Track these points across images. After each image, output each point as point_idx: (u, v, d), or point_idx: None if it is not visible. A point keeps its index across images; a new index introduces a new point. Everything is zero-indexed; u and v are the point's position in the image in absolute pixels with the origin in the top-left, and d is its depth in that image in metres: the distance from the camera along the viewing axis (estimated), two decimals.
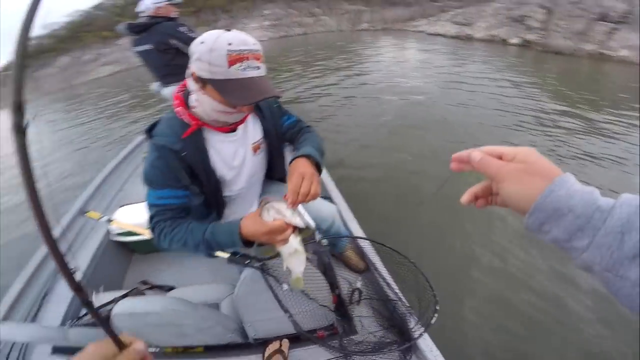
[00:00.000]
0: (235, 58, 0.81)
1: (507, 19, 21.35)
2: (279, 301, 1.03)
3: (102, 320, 0.42)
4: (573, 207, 0.33)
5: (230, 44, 0.81)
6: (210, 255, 1.07)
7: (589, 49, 15.67)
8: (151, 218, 0.98)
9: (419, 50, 16.33)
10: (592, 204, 0.33)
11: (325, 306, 1.21)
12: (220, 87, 0.85)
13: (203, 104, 0.92)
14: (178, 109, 0.97)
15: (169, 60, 2.61)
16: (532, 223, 0.37)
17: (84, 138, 9.16)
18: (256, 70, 0.86)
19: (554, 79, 8.56)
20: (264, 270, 1.06)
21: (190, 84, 0.92)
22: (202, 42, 0.84)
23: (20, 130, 0.32)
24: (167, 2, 2.57)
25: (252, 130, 1.15)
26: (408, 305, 1.21)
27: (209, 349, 1.27)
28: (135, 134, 5.75)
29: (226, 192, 1.14)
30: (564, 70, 10.25)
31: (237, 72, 0.83)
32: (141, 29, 2.55)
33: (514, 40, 18.84)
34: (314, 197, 0.88)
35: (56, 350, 1.35)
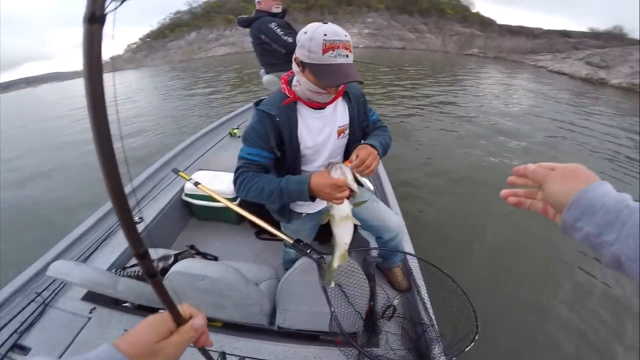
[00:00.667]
0: (329, 47, 0.94)
1: None
2: (327, 296, 1.04)
3: (157, 285, 0.43)
4: (605, 204, 0.38)
5: (325, 35, 0.93)
6: (282, 209, 1.31)
7: None
8: (237, 169, 1.12)
9: (534, 85, 14.33)
10: (622, 203, 0.37)
11: (358, 312, 1.22)
12: (315, 70, 0.99)
13: (301, 83, 1.07)
14: (283, 85, 1.16)
15: (265, 52, 2.74)
16: (568, 218, 0.41)
17: (186, 102, 10.59)
18: (345, 58, 0.97)
19: None
20: (319, 263, 1.11)
21: (294, 66, 1.07)
22: (305, 32, 0.97)
23: (93, 19, 0.25)
24: None
25: (341, 114, 1.25)
26: (439, 333, 1.19)
27: (228, 326, 1.31)
28: (225, 110, 6.00)
29: (305, 167, 1.26)
30: None
31: (330, 58, 0.95)
32: (246, 23, 2.72)
33: None
34: (371, 172, 1.05)
35: (87, 297, 1.40)
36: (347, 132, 1.27)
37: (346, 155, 1.34)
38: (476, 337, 0.98)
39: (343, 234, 1.00)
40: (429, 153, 5.40)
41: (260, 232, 2.28)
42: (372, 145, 1.13)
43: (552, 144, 6.08)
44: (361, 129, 1.32)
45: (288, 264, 1.72)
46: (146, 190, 2.15)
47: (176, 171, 1.93)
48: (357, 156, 1.04)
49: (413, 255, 1.48)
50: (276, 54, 2.67)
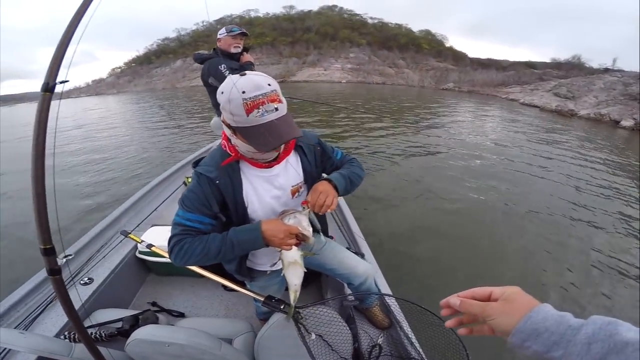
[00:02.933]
0: (252, 105, 0.83)
1: (623, 97, 18.50)
2: (309, 350, 1.04)
3: (57, 283, 0.53)
4: (548, 327, 0.42)
5: (244, 92, 0.83)
6: (239, 267, 1.21)
7: None
8: (173, 236, 1.00)
9: (506, 120, 14.81)
10: (565, 324, 0.41)
11: (344, 359, 1.21)
12: (245, 134, 0.89)
13: (239, 146, 0.97)
14: (223, 142, 1.05)
15: (213, 94, 2.62)
16: (515, 341, 0.45)
17: (160, 133, 10.16)
18: (274, 112, 0.87)
19: None
20: (296, 319, 1.10)
21: (225, 129, 0.97)
22: (222, 92, 0.87)
23: (47, 89, 0.38)
24: (225, 34, 2.53)
25: (293, 172, 1.14)
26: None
27: None
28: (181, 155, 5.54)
29: None
30: None
31: (256, 118, 0.85)
32: (200, 61, 2.62)
33: (627, 123, 16.00)
34: (328, 208, 1.03)
35: None
36: (302, 189, 1.17)
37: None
38: None
39: (291, 279, 1.06)
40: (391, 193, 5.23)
41: (226, 285, 2.07)
42: (328, 180, 1.10)
43: (524, 179, 6.00)
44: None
45: (262, 315, 1.66)
46: (93, 250, 2.00)
47: (125, 233, 1.83)
48: (310, 200, 1.04)
49: (387, 295, 1.50)
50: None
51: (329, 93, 23.56)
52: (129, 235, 1.81)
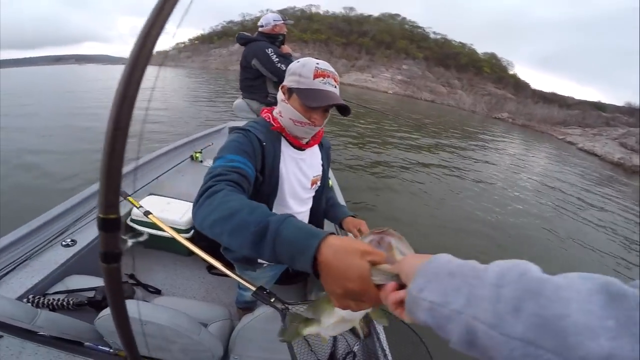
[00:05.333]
0: (320, 73, 0.97)
1: None
2: (291, 349, 0.99)
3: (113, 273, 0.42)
4: (452, 270, 0.34)
5: (318, 64, 0.98)
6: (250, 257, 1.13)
7: None
8: (211, 176, 0.82)
9: (557, 162, 13.41)
10: (469, 266, 0.34)
11: None
12: (303, 94, 0.98)
13: (284, 113, 1.03)
14: (266, 114, 1.11)
15: (248, 76, 2.69)
16: (413, 289, 0.37)
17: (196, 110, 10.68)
18: (333, 87, 1.00)
19: None
20: (284, 315, 1.01)
21: (280, 95, 1.04)
22: (298, 61, 1.01)
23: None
24: (282, 22, 2.64)
25: (316, 163, 1.21)
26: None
27: None
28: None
29: (276, 209, 1.14)
30: None
31: (319, 83, 0.97)
32: (244, 42, 2.66)
33: None
34: None
35: None
36: (318, 183, 1.24)
37: (311, 212, 1.32)
38: None
39: (329, 330, 0.72)
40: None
41: (213, 266, 1.98)
42: (354, 216, 1.30)
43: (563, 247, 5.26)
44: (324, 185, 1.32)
45: (242, 304, 1.67)
46: (85, 210, 1.89)
47: (124, 195, 1.75)
48: (361, 231, 1.20)
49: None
50: (257, 82, 2.65)
51: (372, 101, 23.09)
52: (128, 197, 1.72)
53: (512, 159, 12.22)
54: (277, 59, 2.50)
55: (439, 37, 72.25)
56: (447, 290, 0.33)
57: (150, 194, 2.19)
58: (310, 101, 0.96)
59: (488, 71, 57.14)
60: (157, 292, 1.87)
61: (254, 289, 1.08)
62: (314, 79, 0.96)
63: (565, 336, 0.24)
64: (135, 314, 0.98)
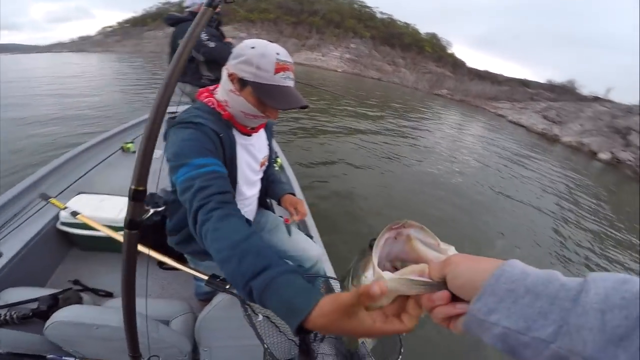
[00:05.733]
0: (281, 67, 0.88)
1: (607, 128, 18.62)
2: (257, 331, 1.00)
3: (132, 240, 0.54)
4: (530, 286, 0.28)
5: (278, 54, 0.88)
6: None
7: None
8: (193, 197, 0.76)
9: (491, 137, 14.65)
10: (555, 282, 0.27)
11: (292, 340, 1.21)
12: (263, 91, 0.89)
13: (234, 104, 0.95)
14: (209, 99, 0.99)
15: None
16: (479, 310, 0.30)
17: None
18: (292, 81, 0.93)
19: (616, 210, 7.24)
20: (243, 299, 1.05)
21: (227, 84, 0.94)
22: (252, 47, 0.88)
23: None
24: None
25: (263, 145, 1.18)
26: (368, 350, 1.14)
27: None
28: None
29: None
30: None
31: (280, 79, 0.89)
32: (172, 22, 2.51)
33: (604, 155, 16.07)
34: (304, 216, 1.22)
35: None
36: (266, 164, 1.24)
37: (260, 192, 1.32)
38: (402, 350, 0.99)
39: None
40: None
41: (163, 262, 1.87)
42: (292, 194, 1.30)
43: (495, 200, 5.88)
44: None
45: (202, 295, 1.63)
46: (6, 217, 1.80)
47: (46, 197, 1.70)
48: (297, 210, 1.21)
49: (334, 279, 1.50)
50: (190, 64, 2.48)
51: (322, 80, 22.92)
52: (51, 200, 1.67)
53: (453, 130, 13.28)
54: (205, 37, 2.36)
55: (385, 16, 73.42)
56: (528, 315, 0.26)
57: (80, 193, 2.02)
58: (275, 102, 0.89)
59: (429, 51, 59.87)
60: (109, 294, 1.76)
61: (205, 277, 1.11)
62: (275, 74, 0.88)
63: None
64: (85, 319, 1.02)
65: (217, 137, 0.92)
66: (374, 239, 0.43)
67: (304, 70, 28.44)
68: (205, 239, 0.71)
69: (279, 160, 2.97)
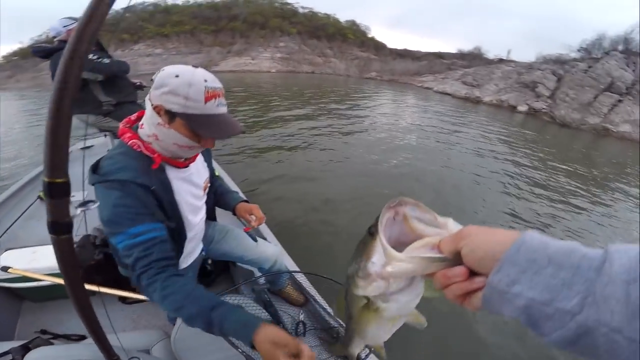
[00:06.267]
0: (212, 94, 0.84)
1: (517, 84, 21.21)
2: (229, 340, 0.99)
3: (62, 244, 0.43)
4: (552, 257, 0.27)
5: (206, 81, 0.83)
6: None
7: (593, 122, 15.20)
8: (134, 264, 0.82)
9: (423, 106, 15.92)
10: (577, 252, 0.27)
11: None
12: (196, 122, 0.85)
13: (165, 138, 0.88)
14: (134, 141, 0.90)
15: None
16: (499, 282, 0.29)
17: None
18: (225, 107, 0.90)
19: (546, 152, 8.90)
20: None
21: (153, 117, 0.86)
22: (177, 76, 0.82)
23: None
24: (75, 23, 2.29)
25: (202, 167, 1.16)
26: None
27: None
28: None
29: (189, 234, 1.12)
30: (560, 144, 10.85)
31: (212, 107, 0.85)
32: (45, 54, 2.24)
33: (522, 108, 18.41)
34: (262, 220, 1.26)
35: None
36: (209, 184, 1.21)
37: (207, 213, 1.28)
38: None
39: (378, 335, 0.53)
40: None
41: (125, 297, 1.98)
42: (246, 201, 1.31)
43: (433, 157, 6.71)
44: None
45: (174, 320, 1.56)
46: None
47: None
48: (255, 215, 1.24)
49: (296, 272, 1.58)
50: (84, 92, 2.27)
51: (258, 83, 22.62)
52: None
53: (391, 108, 14.25)
54: (95, 56, 2.22)
55: (306, 10, 74.01)
56: (552, 286, 0.26)
57: (8, 249, 1.94)
58: (211, 132, 0.86)
59: (352, 37, 61.97)
60: (81, 337, 1.70)
61: None
62: (205, 103, 0.83)
63: None
64: (58, 358, 0.96)
65: (147, 192, 0.86)
66: (372, 226, 0.42)
67: (235, 77, 27.67)
68: (151, 297, 0.82)
69: (216, 171, 2.98)
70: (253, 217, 1.24)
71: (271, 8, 73.95)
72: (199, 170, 1.12)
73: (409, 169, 5.73)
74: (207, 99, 0.82)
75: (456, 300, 0.35)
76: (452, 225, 0.39)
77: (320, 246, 3.25)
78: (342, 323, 1.28)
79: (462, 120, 12.03)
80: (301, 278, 1.58)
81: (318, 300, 1.49)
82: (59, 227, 0.36)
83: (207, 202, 1.24)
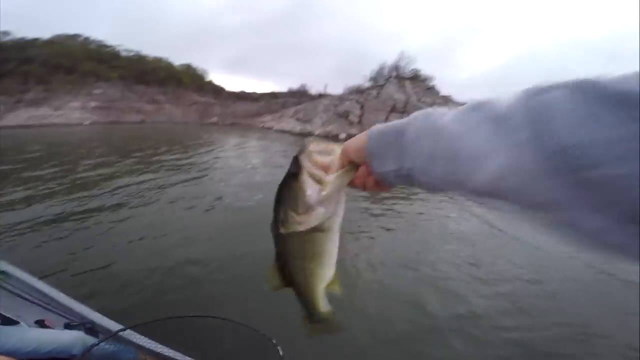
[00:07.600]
0: None
1: (335, 115, 25.14)
2: None
3: None
4: (390, 140, 0.40)
5: None
6: None
7: None
8: None
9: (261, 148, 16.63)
10: (397, 130, 0.40)
11: None
12: None
13: None
14: None
15: None
16: (376, 169, 0.42)
17: None
18: None
19: None
20: None
21: None
22: None
23: None
24: None
25: None
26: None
27: None
28: None
29: None
30: None
31: None
32: None
33: (342, 136, 21.80)
34: None
35: None
36: None
37: None
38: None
39: (334, 252, 0.58)
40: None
41: None
42: None
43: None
44: None
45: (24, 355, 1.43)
46: None
47: None
48: None
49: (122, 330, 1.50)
50: None
51: (66, 139, 18.16)
52: None
53: (233, 152, 14.20)
54: None
55: (131, 54, 66.68)
56: (396, 157, 0.38)
57: None
58: None
59: (188, 82, 60.08)
60: None
61: None
62: None
63: (456, 168, 0.31)
64: None
65: None
66: (291, 170, 0.49)
67: (31, 133, 21.53)
68: None
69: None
70: None
71: (84, 50, 62.76)
72: None
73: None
74: None
75: (375, 190, 0.47)
76: (338, 149, 0.50)
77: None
78: None
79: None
80: (135, 335, 1.49)
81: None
82: None
83: None
